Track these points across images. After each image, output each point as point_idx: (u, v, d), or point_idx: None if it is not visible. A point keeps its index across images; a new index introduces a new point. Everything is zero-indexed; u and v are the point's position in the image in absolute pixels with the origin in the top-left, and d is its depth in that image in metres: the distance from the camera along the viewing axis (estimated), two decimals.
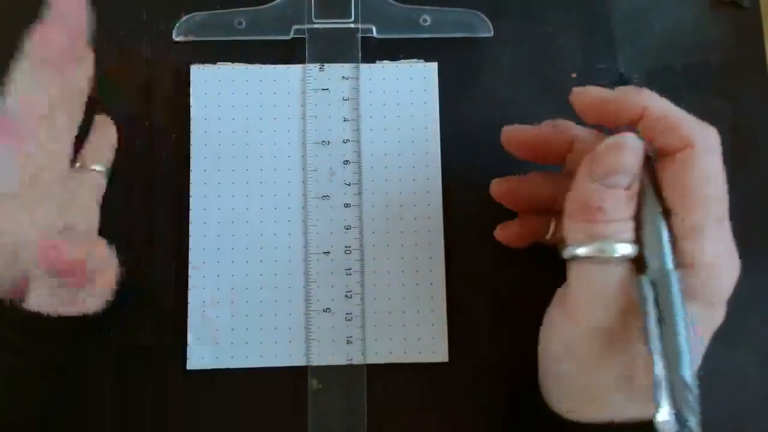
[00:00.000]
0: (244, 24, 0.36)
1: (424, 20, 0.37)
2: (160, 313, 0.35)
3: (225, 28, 0.36)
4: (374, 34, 0.37)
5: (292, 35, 0.36)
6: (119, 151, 0.35)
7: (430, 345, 0.34)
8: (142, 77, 0.36)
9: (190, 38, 0.36)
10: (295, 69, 0.36)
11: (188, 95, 0.36)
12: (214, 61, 0.36)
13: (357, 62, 0.36)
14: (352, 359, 0.34)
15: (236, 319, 0.34)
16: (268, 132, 0.36)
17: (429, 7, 0.37)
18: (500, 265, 0.35)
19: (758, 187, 0.36)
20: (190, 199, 0.35)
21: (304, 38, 0.36)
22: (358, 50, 0.36)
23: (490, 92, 0.37)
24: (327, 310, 0.35)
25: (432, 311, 0.35)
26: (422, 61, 0.37)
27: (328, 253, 0.35)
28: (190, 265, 0.35)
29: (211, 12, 0.37)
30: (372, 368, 0.34)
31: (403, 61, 0.37)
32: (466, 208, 0.36)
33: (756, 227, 0.36)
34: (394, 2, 0.37)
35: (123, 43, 0.37)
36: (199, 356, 0.34)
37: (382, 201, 0.36)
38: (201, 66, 0.36)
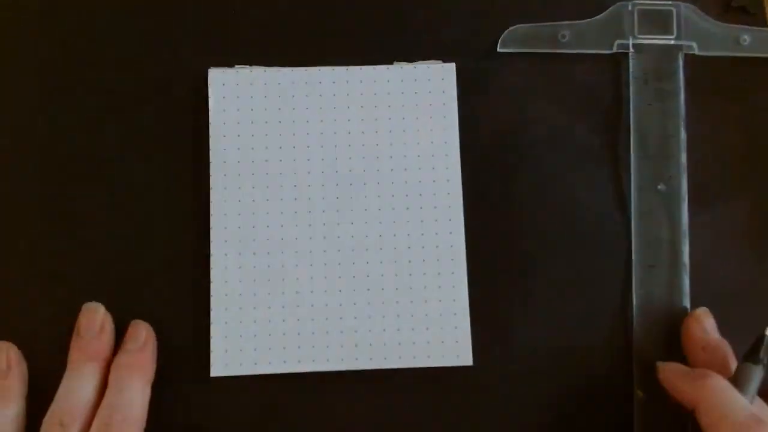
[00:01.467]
0: (567, 37, 0.37)
1: (744, 40, 0.37)
2: (182, 320, 0.35)
3: (548, 41, 0.37)
4: (696, 51, 0.37)
5: (615, 50, 0.37)
6: (135, 156, 0.36)
7: (453, 348, 0.34)
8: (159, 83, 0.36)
9: (514, 50, 0.37)
10: (313, 71, 0.36)
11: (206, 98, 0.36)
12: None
13: (679, 81, 0.36)
14: (375, 365, 0.34)
15: (259, 325, 0.34)
16: (286, 135, 0.36)
17: (748, 27, 0.37)
18: (522, 265, 0.35)
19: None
20: (211, 204, 0.35)
21: (626, 53, 0.37)
22: (680, 67, 0.36)
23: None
24: (349, 314, 0.34)
25: (454, 314, 0.35)
26: (440, 61, 0.36)
27: (350, 257, 0.35)
28: (211, 272, 0.34)
29: (535, 24, 0.37)
30: (393, 373, 0.34)
31: (420, 62, 0.37)
32: (486, 209, 0.36)
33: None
34: (714, 20, 0.37)
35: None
36: (223, 363, 0.34)
37: (401, 204, 0.35)
38: (219, 69, 0.36)
